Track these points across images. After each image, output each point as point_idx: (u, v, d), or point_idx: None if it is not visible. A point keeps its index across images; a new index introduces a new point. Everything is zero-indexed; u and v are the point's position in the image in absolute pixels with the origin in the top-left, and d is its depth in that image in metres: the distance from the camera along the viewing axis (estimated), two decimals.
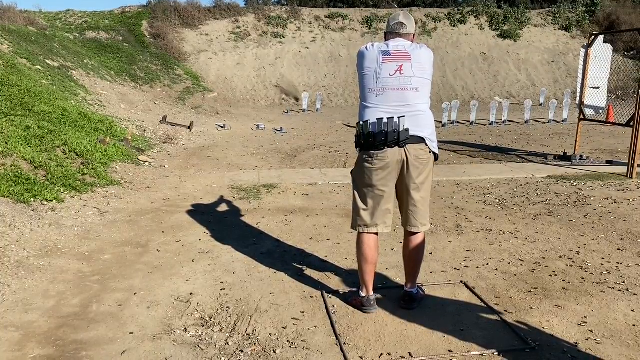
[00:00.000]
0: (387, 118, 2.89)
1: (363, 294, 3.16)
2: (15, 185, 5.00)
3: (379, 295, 3.33)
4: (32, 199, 4.92)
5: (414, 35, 3.17)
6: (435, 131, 3.10)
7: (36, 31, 13.94)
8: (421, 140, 2.95)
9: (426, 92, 3.02)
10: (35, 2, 49.32)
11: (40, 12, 18.95)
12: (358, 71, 3.11)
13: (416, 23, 20.04)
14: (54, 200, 5.05)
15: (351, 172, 3.17)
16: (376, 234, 3.11)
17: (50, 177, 5.50)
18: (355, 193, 3.12)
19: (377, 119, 2.91)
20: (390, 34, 3.12)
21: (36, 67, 10.66)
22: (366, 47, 3.08)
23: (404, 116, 2.89)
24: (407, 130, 2.89)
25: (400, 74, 2.96)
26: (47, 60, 11.65)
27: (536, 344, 2.77)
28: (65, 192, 5.35)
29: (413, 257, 3.16)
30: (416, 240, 3.13)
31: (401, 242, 3.37)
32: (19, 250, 3.98)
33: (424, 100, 3.01)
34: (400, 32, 3.09)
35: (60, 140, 6.49)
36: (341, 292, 3.40)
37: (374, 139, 2.90)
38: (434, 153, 3.05)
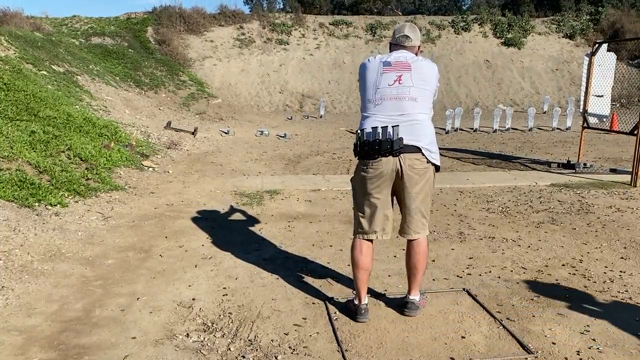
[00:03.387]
0: (381, 127, 2.91)
1: (356, 302, 3.16)
2: (20, 190, 5.03)
3: (381, 302, 3.34)
4: (37, 204, 4.94)
5: (419, 47, 3.20)
6: (436, 141, 3.09)
7: (42, 37, 14.04)
8: (417, 149, 2.95)
9: (425, 103, 3.02)
10: (41, 7, 49.91)
11: (47, 17, 19.09)
12: (359, 83, 3.14)
13: (420, 31, 20.26)
14: (58, 205, 5.08)
15: (351, 180, 3.20)
16: (371, 241, 3.12)
17: (55, 181, 5.52)
18: (355, 200, 3.16)
19: (372, 128, 2.94)
20: (395, 46, 3.17)
21: (42, 72, 10.73)
22: (368, 59, 3.14)
23: (397, 125, 2.91)
24: (401, 139, 2.89)
25: (399, 83, 2.98)
26: (52, 66, 11.72)
27: (538, 352, 2.76)
28: (69, 197, 5.37)
29: (414, 265, 3.16)
30: (417, 247, 3.13)
31: (404, 249, 3.37)
32: (23, 254, 4.00)
33: (423, 110, 3.00)
34: (405, 45, 3.13)
35: (64, 145, 6.53)
36: (341, 300, 3.39)
37: (369, 147, 2.93)
38: (434, 164, 3.04)
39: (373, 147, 2.91)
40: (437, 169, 3.09)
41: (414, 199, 3.03)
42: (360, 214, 3.10)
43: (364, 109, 3.07)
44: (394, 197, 3.12)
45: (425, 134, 2.98)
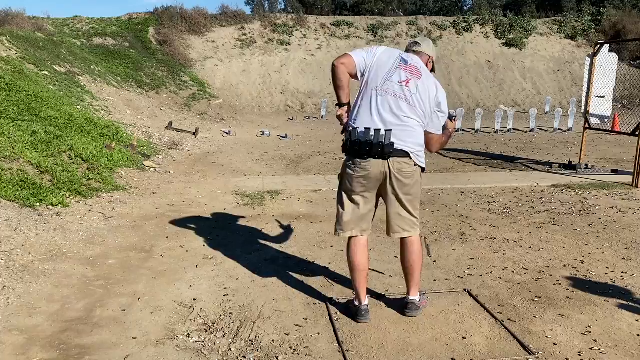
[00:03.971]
0: (374, 130, 2.91)
1: (356, 303, 3.16)
2: (22, 190, 5.03)
3: (382, 303, 3.34)
4: (38, 204, 4.95)
5: (429, 57, 3.23)
6: (424, 146, 3.10)
7: (44, 37, 14.06)
8: (406, 154, 2.97)
9: (422, 113, 3.02)
10: (43, 8, 50.03)
11: (48, 18, 19.13)
12: (375, 54, 3.07)
13: (421, 31, 20.30)
14: (60, 205, 5.08)
15: (338, 176, 3.21)
16: (365, 241, 3.13)
17: (56, 181, 5.53)
18: (338, 196, 3.17)
19: (365, 129, 2.94)
20: (406, 51, 3.25)
21: (43, 72, 10.75)
22: (389, 48, 3.20)
23: (390, 130, 2.91)
24: (391, 144, 2.91)
25: (406, 86, 3.00)
26: (54, 66, 11.74)
27: (539, 353, 2.76)
28: (71, 197, 5.38)
29: (410, 265, 3.16)
30: (411, 247, 3.14)
31: None
32: (24, 254, 4.00)
33: (417, 117, 3.01)
34: (413, 49, 3.21)
35: (66, 145, 6.53)
36: (342, 300, 3.39)
37: (359, 147, 2.93)
38: (420, 166, 3.07)
39: (363, 148, 2.92)
40: (422, 170, 3.12)
41: (402, 201, 3.05)
42: (342, 211, 3.11)
43: (365, 93, 3.02)
44: (379, 198, 3.13)
45: (414, 140, 3.00)
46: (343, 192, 3.11)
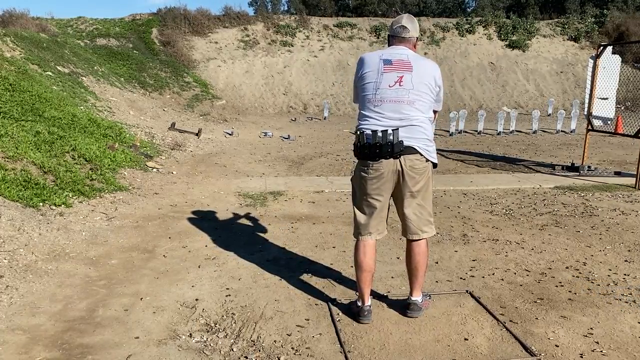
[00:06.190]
0: (381, 131, 2.91)
1: (359, 304, 3.16)
2: (25, 190, 5.05)
3: (384, 304, 3.34)
4: (41, 204, 4.96)
5: (417, 39, 3.18)
6: (433, 140, 3.10)
7: (48, 38, 14.10)
8: (416, 150, 2.96)
9: (423, 106, 3.00)
10: (47, 9, 50.23)
11: (52, 19, 19.18)
12: (357, 75, 3.10)
13: (424, 33, 20.31)
14: (63, 205, 5.09)
15: (351, 180, 3.21)
16: (374, 242, 3.13)
17: (59, 182, 5.54)
18: (354, 200, 3.17)
19: (372, 132, 2.94)
20: (393, 38, 3.14)
21: (47, 73, 10.78)
22: (366, 55, 3.13)
23: (397, 129, 2.91)
24: (401, 142, 2.91)
25: (400, 85, 2.96)
26: (57, 67, 11.77)
27: (541, 355, 2.76)
28: (74, 197, 5.39)
29: (415, 265, 3.16)
30: (417, 248, 3.14)
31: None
32: (28, 254, 4.02)
33: (421, 112, 2.99)
34: (403, 36, 3.09)
35: (69, 145, 6.55)
36: (344, 301, 3.39)
37: (369, 150, 2.94)
38: (432, 162, 3.06)
39: (373, 150, 2.92)
40: (434, 165, 3.11)
41: (416, 197, 3.04)
42: (359, 214, 3.12)
43: (363, 107, 3.05)
44: (391, 199, 3.13)
45: (422, 135, 2.99)
46: (358, 196, 3.11)
